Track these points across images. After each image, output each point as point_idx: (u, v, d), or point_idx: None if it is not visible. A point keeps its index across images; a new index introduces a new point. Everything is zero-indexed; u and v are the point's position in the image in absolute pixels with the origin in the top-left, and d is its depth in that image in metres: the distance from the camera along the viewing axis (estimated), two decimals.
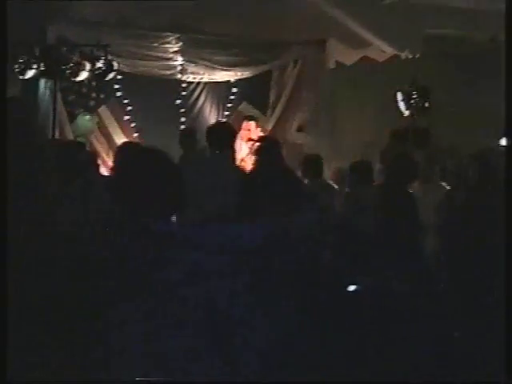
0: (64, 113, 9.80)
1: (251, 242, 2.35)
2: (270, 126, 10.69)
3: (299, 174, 6.48)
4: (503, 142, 8.84)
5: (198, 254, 2.28)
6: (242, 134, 9.13)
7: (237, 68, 10.47)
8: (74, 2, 9.28)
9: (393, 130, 8.51)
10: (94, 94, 10.30)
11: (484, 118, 9.60)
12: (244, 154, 8.75)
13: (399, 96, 9.13)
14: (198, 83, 10.75)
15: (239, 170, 6.10)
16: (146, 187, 2.39)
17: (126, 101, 10.45)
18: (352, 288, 2.99)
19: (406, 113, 9.13)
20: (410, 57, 9.96)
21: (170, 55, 10.22)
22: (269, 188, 2.74)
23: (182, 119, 10.69)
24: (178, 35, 10.10)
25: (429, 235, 6.34)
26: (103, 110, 10.40)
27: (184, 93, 10.74)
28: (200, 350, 2.24)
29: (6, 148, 2.41)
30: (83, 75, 9.14)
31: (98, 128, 10.23)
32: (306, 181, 6.63)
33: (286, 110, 10.86)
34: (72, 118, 9.98)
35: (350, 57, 10.37)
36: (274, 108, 10.93)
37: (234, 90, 10.86)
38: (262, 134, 9.47)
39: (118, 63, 9.61)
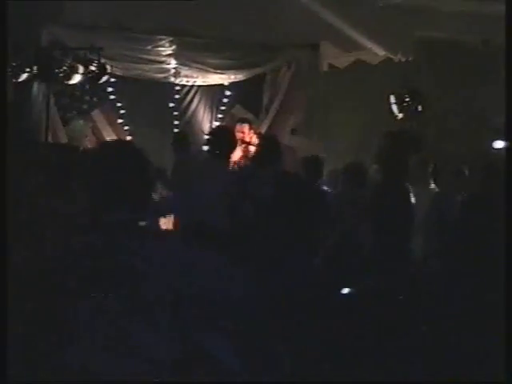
0: (57, 116, 9.80)
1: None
2: (263, 129, 10.69)
3: (300, 175, 6.50)
4: (496, 144, 8.89)
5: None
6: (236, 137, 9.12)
7: (230, 71, 10.48)
8: (68, 4, 9.28)
9: (386, 133, 8.53)
10: (87, 97, 10.29)
11: (476, 120, 9.63)
12: (237, 156, 8.75)
13: (392, 99, 9.17)
14: (192, 86, 10.76)
15: (236, 173, 6.14)
16: (117, 181, 2.40)
17: (119, 104, 10.44)
18: (346, 290, 3.00)
19: (399, 115, 9.16)
20: (403, 60, 10.00)
21: (164, 58, 10.22)
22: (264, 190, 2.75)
23: (176, 122, 10.69)
24: (171, 38, 10.11)
25: (421, 237, 6.35)
26: (96, 113, 10.39)
27: (177, 96, 10.74)
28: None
29: (6, 147, 2.43)
30: (76, 78, 9.14)
31: (92, 131, 10.22)
32: (305, 182, 6.66)
33: (280, 112, 10.87)
34: (65, 121, 9.96)
35: (343, 60, 10.40)
36: (267, 111, 10.94)
37: (228, 93, 10.87)
38: (255, 136, 9.48)
39: (112, 66, 9.61)
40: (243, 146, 9.03)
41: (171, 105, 10.67)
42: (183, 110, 10.84)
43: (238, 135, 9.32)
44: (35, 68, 8.81)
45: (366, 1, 9.53)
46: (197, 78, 10.53)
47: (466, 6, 9.83)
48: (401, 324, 2.80)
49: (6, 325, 2.23)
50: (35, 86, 9.46)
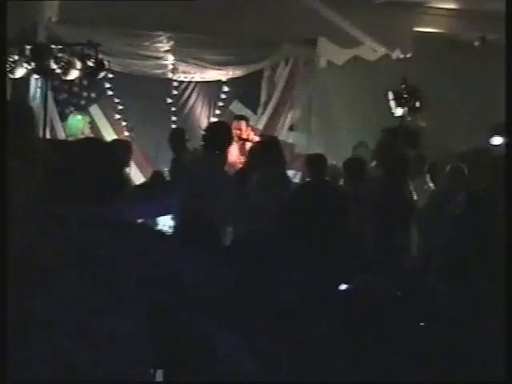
0: (55, 112, 9.78)
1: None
2: (261, 126, 10.68)
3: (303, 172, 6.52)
4: (494, 141, 8.90)
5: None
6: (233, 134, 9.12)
7: (228, 67, 10.46)
8: (65, 0, 9.26)
9: (385, 129, 8.55)
10: (84, 93, 10.26)
11: (473, 117, 9.63)
12: (234, 153, 8.75)
13: (390, 95, 9.17)
14: (189, 82, 10.73)
15: (234, 170, 6.13)
16: (85, 175, 2.40)
17: (117, 100, 10.41)
18: (344, 287, 3.00)
19: (398, 112, 9.17)
20: (401, 56, 10.00)
21: (161, 54, 10.20)
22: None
23: (173, 118, 10.67)
24: (169, 34, 10.08)
25: (419, 233, 6.36)
26: (94, 109, 10.36)
27: (175, 92, 10.71)
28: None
29: (6, 148, 2.43)
30: (74, 74, 9.11)
31: (90, 127, 10.20)
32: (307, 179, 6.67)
33: (278, 109, 10.86)
34: (63, 117, 9.94)
35: (341, 56, 10.40)
36: (265, 107, 10.92)
37: (226, 89, 10.84)
38: (252, 133, 9.48)
39: (109, 62, 9.58)
40: (240, 142, 9.04)
41: (169, 101, 10.65)
42: (181, 106, 10.81)
43: (235, 132, 9.34)
44: (33, 64, 8.78)
45: None
46: (194, 74, 10.51)
47: (462, 3, 9.84)
48: (400, 323, 2.80)
49: (6, 325, 2.23)
50: (33, 81, 9.44)
